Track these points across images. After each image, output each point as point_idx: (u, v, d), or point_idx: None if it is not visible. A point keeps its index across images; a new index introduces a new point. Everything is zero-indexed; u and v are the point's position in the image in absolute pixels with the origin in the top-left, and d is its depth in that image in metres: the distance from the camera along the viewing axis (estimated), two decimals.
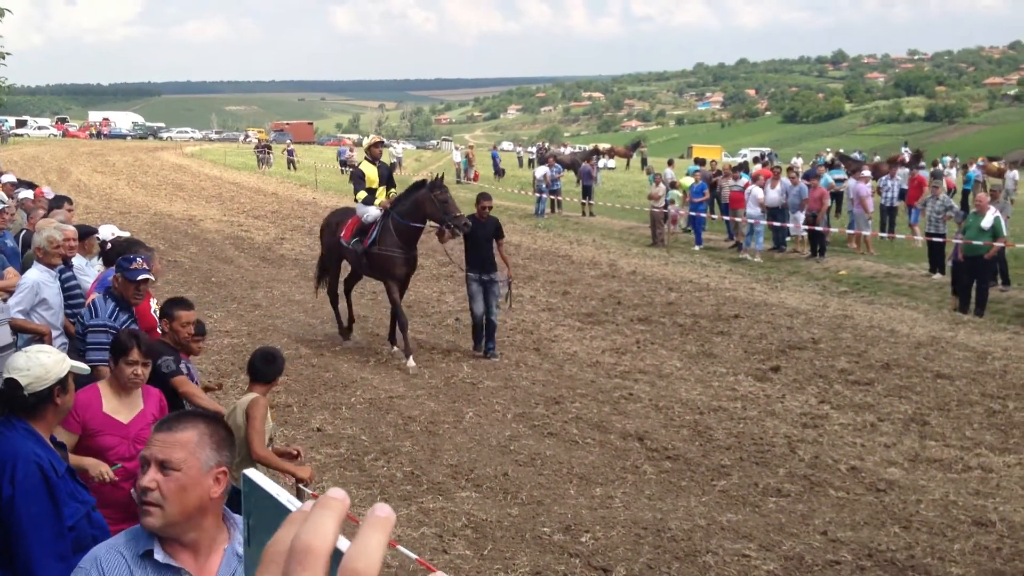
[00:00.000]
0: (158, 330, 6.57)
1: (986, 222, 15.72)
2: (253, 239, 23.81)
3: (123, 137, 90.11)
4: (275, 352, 6.30)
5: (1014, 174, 29.68)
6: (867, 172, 25.10)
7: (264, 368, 6.06)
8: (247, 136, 59.62)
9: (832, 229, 21.95)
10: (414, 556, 4.74)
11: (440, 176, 12.33)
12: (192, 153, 64.97)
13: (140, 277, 6.64)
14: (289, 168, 50.73)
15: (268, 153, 53.52)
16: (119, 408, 4.86)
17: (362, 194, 12.40)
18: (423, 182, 12.38)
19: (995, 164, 19.24)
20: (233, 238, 23.99)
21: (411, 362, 11.87)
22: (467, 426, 9.70)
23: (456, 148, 57.65)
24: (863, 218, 22.24)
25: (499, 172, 46.67)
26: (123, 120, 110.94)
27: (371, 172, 12.47)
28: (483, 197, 12.78)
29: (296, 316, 15.07)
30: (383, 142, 11.78)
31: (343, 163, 47.69)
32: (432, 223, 12.11)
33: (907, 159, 32.76)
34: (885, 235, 22.84)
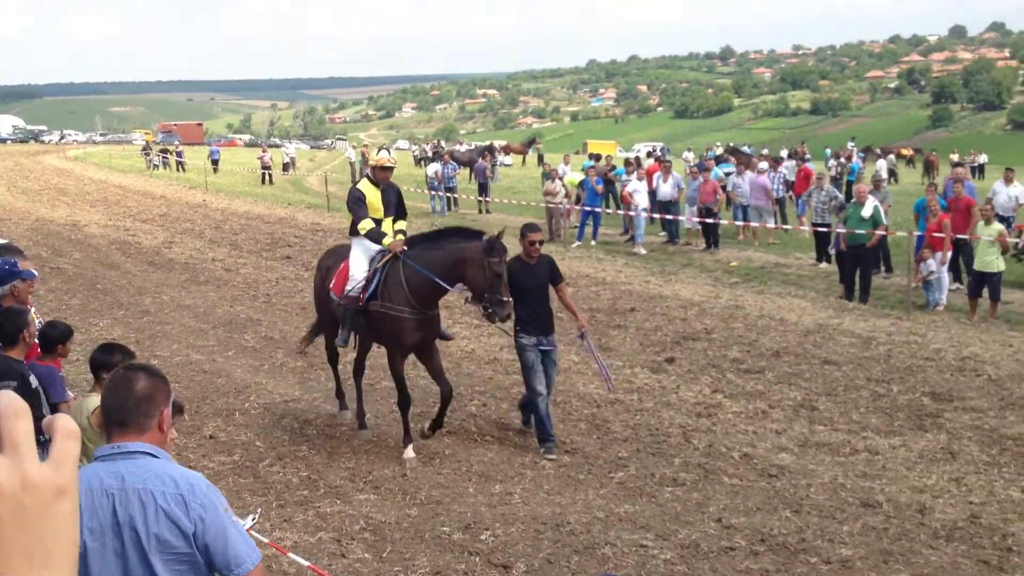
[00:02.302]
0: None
1: (866, 211, 16.22)
2: (140, 243, 23.12)
3: (3, 141, 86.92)
4: (113, 345, 6.02)
5: (883, 163, 30.81)
6: (764, 164, 25.73)
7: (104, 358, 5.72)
8: (146, 147, 58.08)
9: (723, 221, 22.40)
10: (306, 563, 4.63)
11: (499, 234, 8.47)
12: (76, 156, 62.90)
13: (31, 275, 6.60)
14: (178, 170, 49.56)
15: (165, 155, 52.22)
16: None
17: (367, 223, 8.90)
18: (468, 231, 8.81)
19: (960, 170, 20.19)
20: (119, 243, 23.27)
21: (410, 452, 8.79)
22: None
23: (351, 147, 57.04)
24: (767, 210, 22.78)
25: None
26: (2, 123, 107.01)
27: (374, 196, 9.15)
28: (530, 229, 9.26)
29: (186, 321, 14.69)
30: (393, 167, 9.36)
31: (215, 162, 47.29)
32: (463, 289, 8.85)
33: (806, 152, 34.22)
34: (772, 225, 23.43)
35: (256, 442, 9.27)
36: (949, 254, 15.96)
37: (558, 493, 7.96)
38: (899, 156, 47.10)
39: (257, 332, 13.87)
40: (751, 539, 7.06)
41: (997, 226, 15.26)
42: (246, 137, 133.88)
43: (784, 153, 46.26)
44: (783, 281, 18.06)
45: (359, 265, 8.98)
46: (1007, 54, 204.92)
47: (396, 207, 9.30)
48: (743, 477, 8.27)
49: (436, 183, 30.46)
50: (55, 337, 6.16)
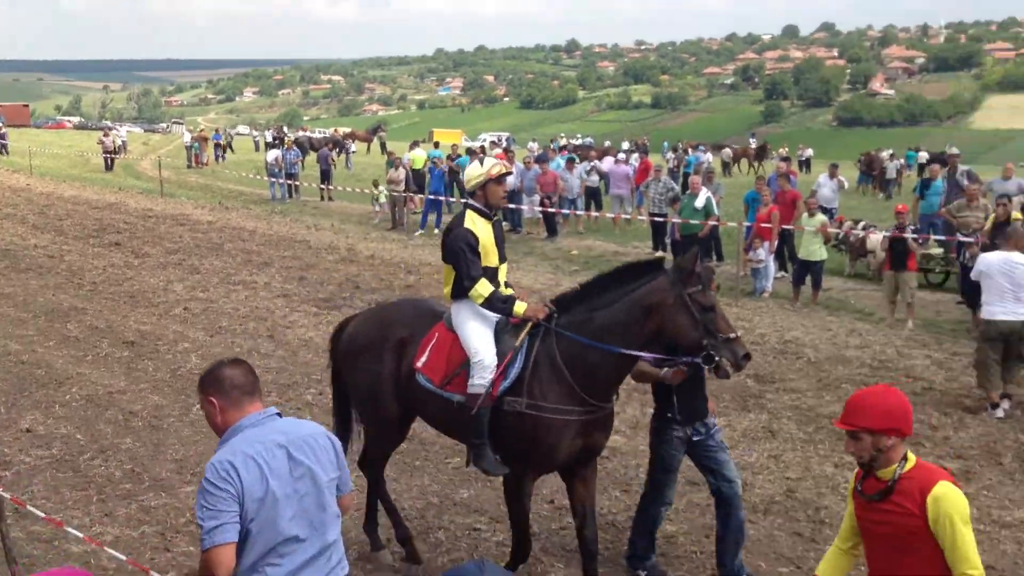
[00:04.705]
0: None
1: (699, 202, 16.77)
2: None
3: None
4: None
5: (709, 156, 32.07)
6: (622, 155, 26.29)
7: None
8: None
9: (564, 211, 22.75)
10: (124, 557, 4.45)
11: (695, 253, 5.66)
12: None
13: None
14: (0, 153, 46.93)
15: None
16: None
17: (485, 286, 5.83)
18: (635, 266, 5.85)
19: (783, 164, 21.24)
20: None
21: None
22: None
23: (188, 131, 55.28)
24: (628, 198, 23.20)
25: (220, 156, 45.79)
26: None
27: (486, 235, 5.97)
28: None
29: (4, 310, 13.92)
30: (509, 175, 6.35)
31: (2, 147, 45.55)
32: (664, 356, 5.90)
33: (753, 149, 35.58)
34: (611, 215, 23.97)
35: (77, 435, 8.86)
36: (776, 243, 16.68)
37: (394, 479, 7.90)
38: (743, 154, 48.97)
39: (81, 321, 13.26)
40: None
41: (820, 217, 16.02)
42: (75, 119, 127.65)
43: (625, 145, 47.46)
44: None
45: (482, 341, 5.81)
46: (835, 53, 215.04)
47: (502, 247, 6.15)
48: None
49: (276, 170, 29.82)
50: None
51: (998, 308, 9.81)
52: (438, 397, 5.91)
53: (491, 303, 5.81)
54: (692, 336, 5.53)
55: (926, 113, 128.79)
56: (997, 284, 9.82)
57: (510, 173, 6.28)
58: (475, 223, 5.88)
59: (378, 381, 6.20)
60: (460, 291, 5.90)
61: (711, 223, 17.04)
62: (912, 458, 3.76)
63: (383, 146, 53.57)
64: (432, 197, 23.39)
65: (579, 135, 67.92)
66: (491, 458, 5.75)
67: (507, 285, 6.08)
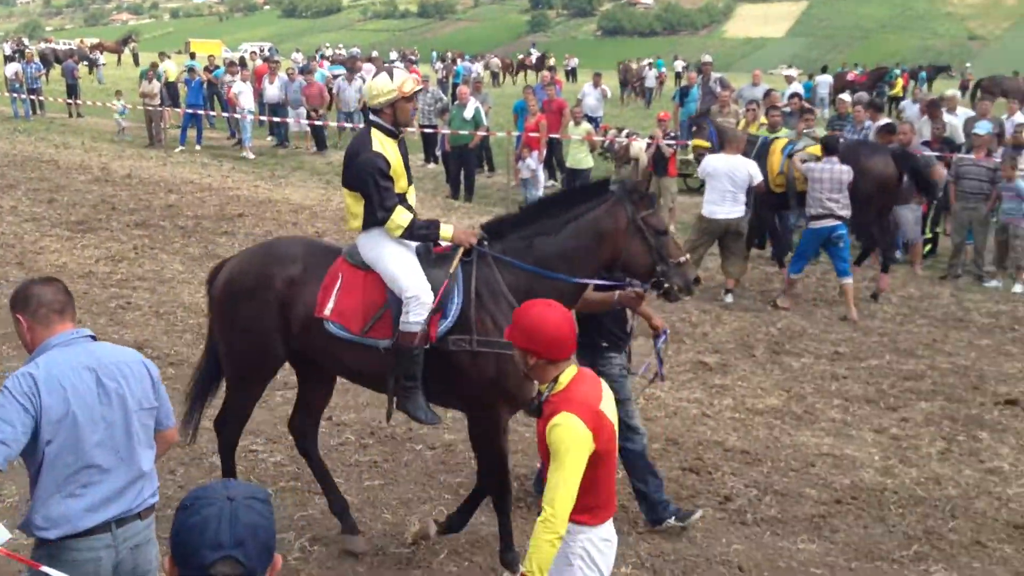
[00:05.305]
0: None
1: (468, 113, 16.78)
2: None
3: None
4: None
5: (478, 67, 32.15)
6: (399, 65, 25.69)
7: None
8: None
9: (332, 123, 22.24)
10: None
11: (646, 175, 4.98)
12: None
13: None
14: None
15: None
16: None
17: (402, 215, 5.24)
18: (581, 189, 5.70)
19: (546, 74, 21.32)
20: None
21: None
22: None
23: None
24: None
25: None
26: None
27: (395, 157, 5.33)
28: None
29: None
30: (421, 90, 5.27)
31: None
32: (619, 278, 5.39)
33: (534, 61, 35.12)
34: None
35: None
36: (545, 153, 16.97)
37: None
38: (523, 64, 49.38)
39: None
40: (360, 433, 7.22)
41: (586, 126, 16.40)
42: None
43: (393, 55, 46.72)
44: None
45: (411, 273, 5.15)
46: None
47: (408, 167, 5.53)
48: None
49: (17, 85, 27.47)
50: None
51: (718, 208, 10.75)
52: (358, 346, 5.16)
53: (412, 231, 5.20)
54: (646, 262, 5.21)
55: (683, 22, 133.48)
56: (721, 185, 10.72)
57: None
58: (384, 144, 5.23)
59: (261, 330, 5.37)
60: (371, 222, 5.24)
61: (480, 133, 17.13)
62: (563, 382, 3.61)
63: (136, 57, 50.42)
64: (191, 111, 22.27)
65: (342, 45, 66.08)
66: (422, 404, 5.21)
67: (408, 207, 5.37)
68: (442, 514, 5.90)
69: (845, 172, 10.40)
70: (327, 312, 5.20)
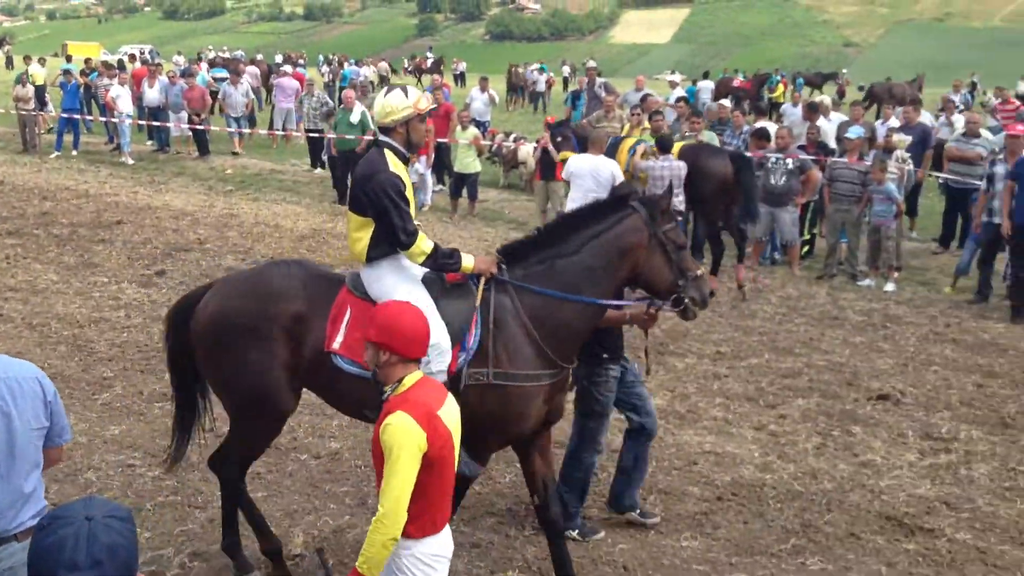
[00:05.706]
0: None
1: (354, 117, 16.65)
2: None
3: None
4: None
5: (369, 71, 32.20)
6: (288, 68, 25.41)
7: None
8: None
9: (214, 128, 21.78)
10: None
11: (669, 189, 5.59)
12: None
13: None
14: None
15: None
16: None
17: (426, 240, 4.90)
18: (592, 208, 5.28)
19: (437, 77, 21.35)
20: None
21: None
22: None
23: None
24: (293, 113, 22.17)
25: None
26: None
27: (408, 181, 4.97)
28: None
29: None
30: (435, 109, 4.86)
31: None
32: (640, 296, 5.43)
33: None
34: (264, 132, 23.37)
35: None
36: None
37: None
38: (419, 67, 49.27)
39: None
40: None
41: (473, 130, 16.45)
42: None
43: (279, 59, 46.07)
44: (279, 188, 18.08)
45: (429, 316, 4.35)
46: None
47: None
48: None
49: None
50: None
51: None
52: (367, 381, 4.45)
53: (435, 260, 4.87)
54: (668, 277, 5.07)
55: (570, 28, 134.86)
56: (585, 184, 11.02)
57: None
58: (398, 166, 4.85)
59: (269, 371, 4.92)
60: (382, 251, 4.87)
61: (367, 138, 16.99)
62: (407, 385, 3.58)
63: (9, 60, 48.52)
64: (66, 116, 21.52)
65: (226, 48, 64.71)
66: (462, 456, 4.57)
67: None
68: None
69: (683, 168, 11.32)
70: (336, 346, 4.89)
